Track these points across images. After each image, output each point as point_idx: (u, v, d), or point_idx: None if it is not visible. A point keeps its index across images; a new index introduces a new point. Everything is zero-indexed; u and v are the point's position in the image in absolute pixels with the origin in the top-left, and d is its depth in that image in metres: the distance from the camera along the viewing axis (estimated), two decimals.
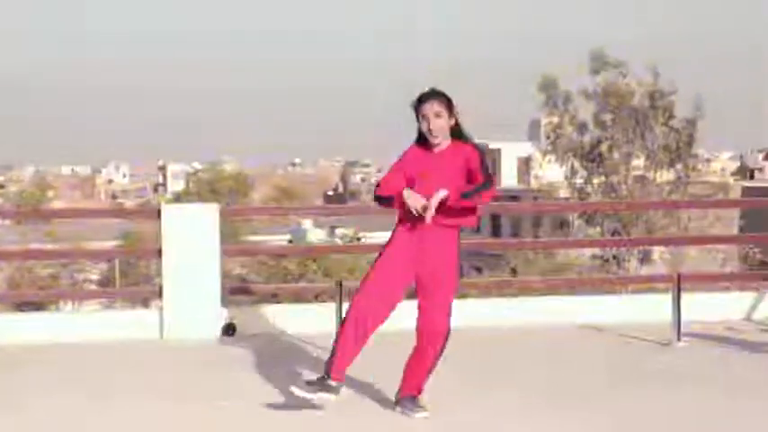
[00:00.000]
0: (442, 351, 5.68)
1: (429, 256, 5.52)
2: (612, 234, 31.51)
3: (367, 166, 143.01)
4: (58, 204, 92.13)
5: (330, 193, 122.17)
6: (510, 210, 29.46)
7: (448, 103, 5.49)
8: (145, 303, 18.28)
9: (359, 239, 39.45)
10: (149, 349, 7.75)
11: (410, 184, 5.48)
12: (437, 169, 5.46)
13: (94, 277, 44.37)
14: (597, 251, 31.92)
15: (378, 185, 5.64)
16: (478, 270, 39.00)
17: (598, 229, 32.63)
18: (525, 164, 49.73)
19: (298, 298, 20.01)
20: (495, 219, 53.34)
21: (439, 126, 5.46)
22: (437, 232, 5.49)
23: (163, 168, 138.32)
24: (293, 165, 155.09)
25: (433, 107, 5.45)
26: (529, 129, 44.08)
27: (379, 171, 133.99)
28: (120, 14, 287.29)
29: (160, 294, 8.37)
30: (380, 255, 5.63)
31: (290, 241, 48.52)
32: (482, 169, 5.42)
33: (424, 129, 5.48)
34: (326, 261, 34.68)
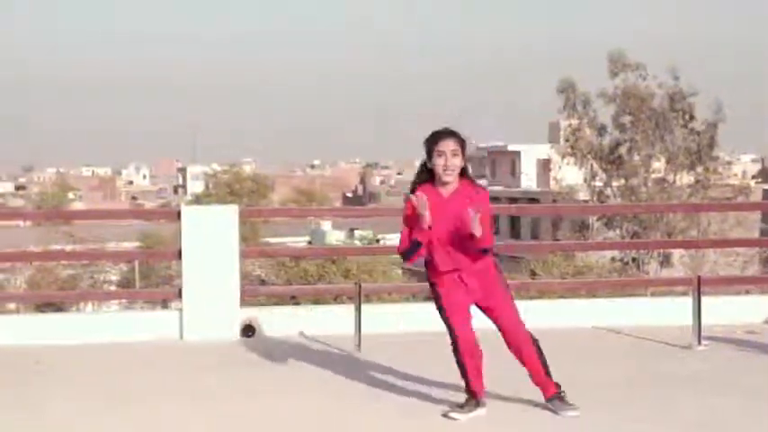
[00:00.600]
0: (538, 346, 5.88)
1: (477, 288, 5.69)
2: (632, 237, 31.37)
3: (386, 167, 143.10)
4: (78, 206, 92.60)
5: (349, 194, 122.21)
6: (529, 212, 29.50)
7: (462, 144, 5.55)
8: (164, 305, 18.35)
9: (378, 241, 39.42)
10: (169, 350, 7.78)
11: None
12: (453, 214, 5.49)
13: (114, 278, 44.54)
14: (617, 254, 31.79)
15: (400, 250, 5.69)
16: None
17: (618, 231, 32.49)
18: (544, 166, 49.58)
19: (317, 299, 20.03)
20: (514, 221, 53.26)
21: (455, 165, 5.50)
22: (473, 266, 5.63)
23: (182, 170, 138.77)
24: (312, 166, 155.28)
25: (450, 145, 5.49)
26: (548, 131, 43.91)
27: (399, 173, 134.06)
28: (142, 14, 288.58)
29: (180, 295, 8.40)
30: (442, 306, 5.71)
31: (310, 243, 48.59)
32: (490, 225, 5.59)
33: (440, 165, 5.48)
34: (345, 263, 34.69)
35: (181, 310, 8.33)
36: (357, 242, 39.01)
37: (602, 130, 34.57)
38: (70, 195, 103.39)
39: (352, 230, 47.40)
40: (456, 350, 5.68)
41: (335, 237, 50.06)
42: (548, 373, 5.81)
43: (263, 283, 34.92)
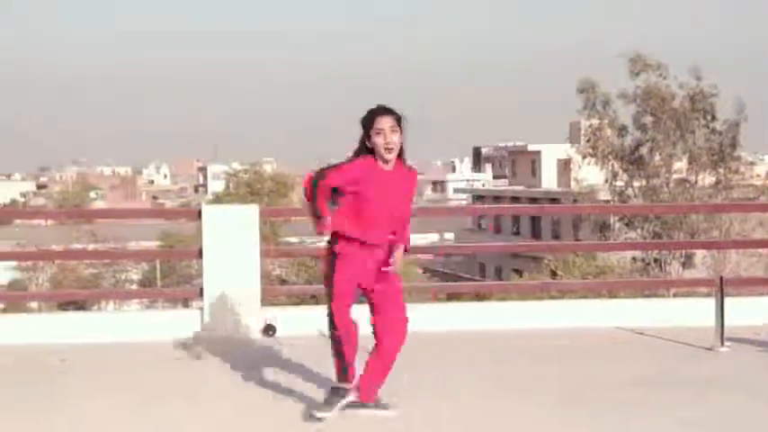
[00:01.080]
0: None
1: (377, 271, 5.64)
2: (654, 237, 31.22)
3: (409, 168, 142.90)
4: (100, 205, 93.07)
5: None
6: (550, 212, 29.41)
7: (400, 121, 5.50)
8: (185, 303, 18.41)
9: None
10: (189, 349, 7.79)
11: (361, 200, 5.46)
12: (395, 190, 5.52)
13: (136, 277, 44.77)
14: (638, 254, 31.64)
15: (322, 175, 5.54)
16: (518, 272, 38.87)
17: (639, 232, 32.34)
18: (565, 166, 49.41)
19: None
20: (534, 221, 53.14)
21: (395, 142, 5.45)
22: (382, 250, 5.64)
23: (203, 169, 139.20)
24: None
25: (388, 122, 5.44)
26: (569, 131, 43.75)
27: (421, 174, 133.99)
28: (169, 14, 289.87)
29: (201, 294, 8.42)
30: (335, 271, 5.63)
31: (329, 242, 48.55)
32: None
33: (380, 143, 5.42)
34: None
35: (202, 308, 8.36)
36: None
37: (622, 131, 34.41)
38: (92, 194, 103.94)
39: None
40: (335, 328, 5.61)
41: None
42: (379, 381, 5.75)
43: (283, 282, 35.01)
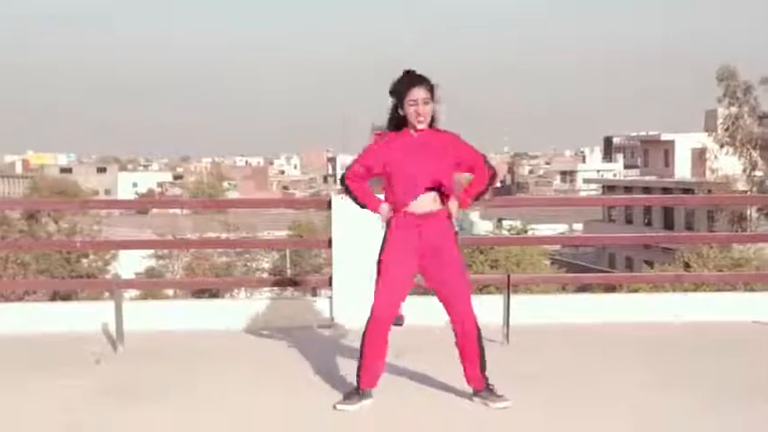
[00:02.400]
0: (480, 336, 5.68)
1: (430, 249, 5.55)
2: None
3: (535, 157, 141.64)
4: (233, 195, 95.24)
5: (498, 184, 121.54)
6: (684, 202, 28.62)
7: (432, 89, 5.45)
8: (314, 293, 18.66)
9: (526, 231, 39.11)
10: (319, 337, 7.92)
11: (391, 168, 5.48)
12: (425, 153, 5.45)
13: (266, 266, 45.62)
14: None
15: (348, 174, 5.66)
16: (650, 264, 38.02)
17: None
18: (700, 156, 48.07)
19: None
20: (667, 212, 51.87)
21: (427, 112, 5.43)
22: (433, 223, 5.55)
23: (332, 159, 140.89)
24: None
25: (422, 93, 5.40)
26: (705, 120, 42.51)
27: (547, 163, 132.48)
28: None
29: (330, 283, 8.53)
30: (381, 262, 5.62)
31: (457, 232, 48.55)
32: (485, 163, 5.62)
33: (412, 113, 5.40)
34: (493, 253, 34.55)
35: (331, 297, 8.47)
36: (505, 232, 38.76)
37: (763, 119, 33.26)
38: (225, 185, 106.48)
39: (500, 220, 47.17)
40: (366, 328, 5.54)
41: (484, 227, 49.93)
42: (483, 368, 5.67)
43: None
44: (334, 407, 5.61)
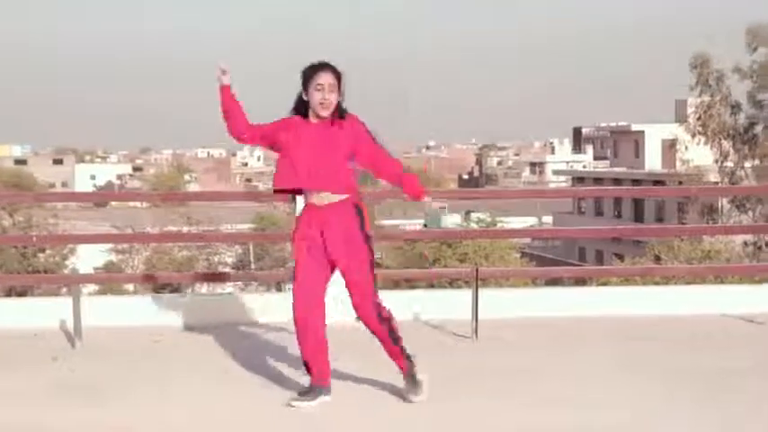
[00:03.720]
0: (391, 327, 5.66)
1: (333, 238, 5.53)
2: (766, 220, 30.45)
3: (504, 149, 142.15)
4: (194, 187, 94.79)
5: (466, 176, 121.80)
6: (654, 194, 28.85)
7: (339, 77, 5.49)
8: (279, 287, 18.65)
9: (495, 224, 39.25)
10: (283, 333, 7.90)
11: (284, 154, 5.55)
12: (323, 142, 5.46)
13: (229, 260, 45.47)
14: (749, 238, 30.89)
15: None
16: (620, 257, 38.31)
17: (750, 214, 31.57)
18: (670, 146, 48.40)
19: (432, 283, 20.06)
20: (637, 204, 52.28)
21: (332, 100, 5.46)
22: (336, 209, 5.53)
23: None
24: (427, 147, 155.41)
25: (329, 79, 5.44)
26: (675, 109, 42.79)
27: (516, 154, 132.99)
28: None
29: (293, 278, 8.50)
30: (293, 251, 5.68)
31: (425, 226, 48.68)
32: (378, 145, 5.62)
33: (316, 99, 5.44)
34: (462, 246, 34.67)
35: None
36: (474, 225, 38.88)
37: (735, 108, 33.54)
38: (186, 177, 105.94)
39: (468, 213, 47.28)
40: (295, 322, 5.60)
41: (451, 220, 50.03)
42: (403, 354, 5.69)
43: (378, 266, 35.16)
44: (289, 404, 5.60)
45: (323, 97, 5.44)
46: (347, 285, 5.62)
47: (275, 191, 5.79)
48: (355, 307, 5.64)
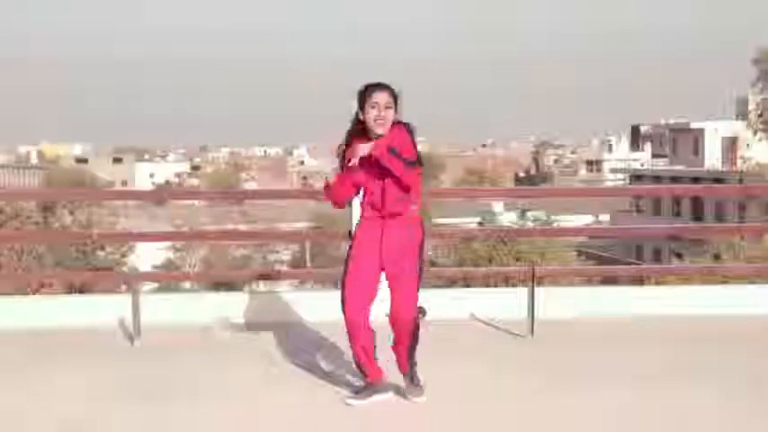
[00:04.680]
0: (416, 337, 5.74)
1: (391, 249, 5.61)
2: None
3: (560, 146, 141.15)
4: (251, 185, 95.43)
5: (522, 174, 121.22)
6: (714, 192, 28.44)
7: (395, 96, 5.57)
8: (335, 285, 18.67)
9: (551, 223, 38.99)
10: (340, 332, 7.89)
11: (359, 184, 5.66)
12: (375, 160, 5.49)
13: (286, 258, 45.72)
14: None
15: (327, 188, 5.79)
16: (679, 256, 37.84)
17: None
18: (731, 144, 47.78)
19: (488, 282, 19.99)
20: (697, 202, 51.60)
21: (388, 117, 5.53)
22: (397, 225, 5.62)
23: None
24: (484, 146, 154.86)
25: (384, 97, 5.54)
26: (736, 107, 42.21)
27: (573, 152, 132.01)
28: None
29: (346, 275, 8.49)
30: (348, 257, 5.75)
31: (481, 224, 48.51)
32: (413, 147, 5.54)
33: (372, 117, 5.51)
34: (518, 244, 34.47)
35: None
36: (530, 223, 38.66)
37: None
38: (243, 175, 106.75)
39: (524, 212, 47.03)
40: (346, 322, 5.68)
41: (507, 218, 49.80)
42: (410, 358, 5.74)
43: (433, 264, 35.12)
44: (345, 402, 5.68)
45: (378, 114, 5.54)
46: (392, 284, 5.67)
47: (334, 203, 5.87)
48: (396, 306, 5.64)
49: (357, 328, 5.64)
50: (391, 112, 5.57)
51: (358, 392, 5.76)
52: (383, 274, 5.72)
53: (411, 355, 5.76)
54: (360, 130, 5.63)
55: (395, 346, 5.76)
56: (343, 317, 5.69)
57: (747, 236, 28.32)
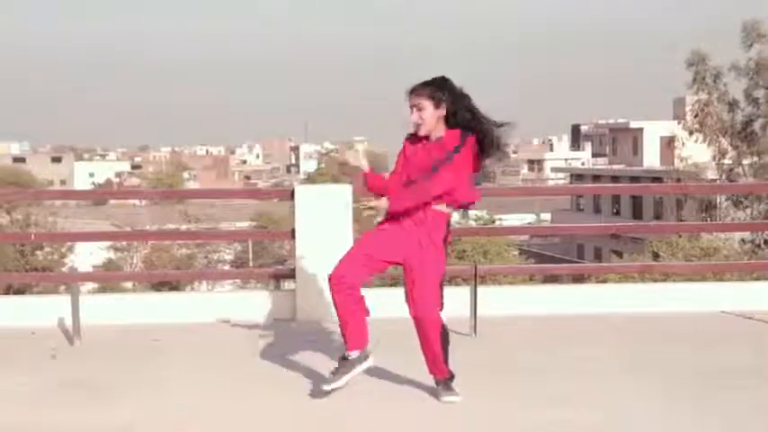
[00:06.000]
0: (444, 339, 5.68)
1: (411, 244, 5.55)
2: (765, 218, 30.42)
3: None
4: (192, 185, 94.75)
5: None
6: (652, 191, 28.77)
7: (431, 94, 5.49)
8: (277, 285, 18.60)
9: (494, 222, 39.25)
10: (282, 331, 7.90)
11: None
12: (419, 159, 5.55)
13: (228, 258, 45.48)
14: (747, 236, 30.87)
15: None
16: (619, 254, 38.33)
17: (748, 212, 31.55)
18: (669, 144, 48.31)
19: None
20: (636, 201, 52.29)
21: (417, 119, 5.51)
22: (419, 218, 5.56)
23: (295, 149, 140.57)
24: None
25: (412, 100, 5.53)
26: (673, 107, 42.81)
27: (514, 152, 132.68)
28: None
29: (293, 275, 8.51)
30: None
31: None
32: (445, 161, 5.45)
33: (409, 120, 5.57)
34: (460, 244, 34.63)
35: (294, 290, 8.45)
36: (472, 222, 38.88)
37: (733, 106, 33.51)
38: (185, 175, 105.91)
39: (466, 210, 47.38)
40: (329, 284, 5.57)
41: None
42: (445, 361, 5.70)
43: None
44: (323, 389, 5.59)
45: (412, 117, 5.54)
46: (411, 282, 5.60)
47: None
48: (415, 304, 5.59)
49: (339, 285, 5.48)
50: (423, 112, 5.50)
51: (334, 373, 5.61)
52: (394, 268, 5.68)
53: (440, 359, 5.65)
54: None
55: (422, 349, 5.69)
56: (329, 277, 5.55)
57: (685, 234, 28.72)
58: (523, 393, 5.84)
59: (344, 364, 5.60)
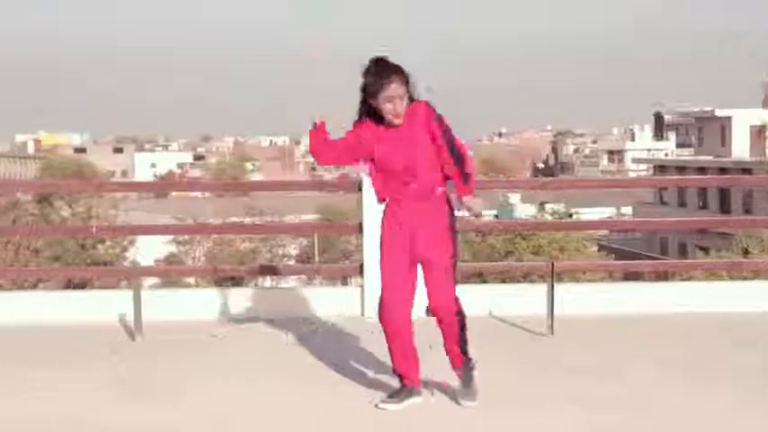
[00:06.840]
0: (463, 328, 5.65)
1: (422, 232, 5.50)
2: None
3: (580, 136, 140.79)
4: (256, 176, 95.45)
5: (540, 165, 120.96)
6: (742, 183, 28.23)
7: (406, 80, 5.36)
8: (344, 281, 18.67)
9: (571, 216, 38.91)
10: (351, 327, 7.90)
11: (379, 162, 5.49)
12: (405, 142, 5.39)
13: (293, 252, 45.66)
14: None
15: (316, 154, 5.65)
16: (705, 250, 37.76)
17: None
18: (759, 133, 47.55)
19: (505, 277, 19.96)
20: (723, 194, 51.42)
21: (403, 108, 5.36)
22: (427, 204, 5.49)
23: None
24: (499, 134, 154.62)
25: (399, 89, 5.33)
26: (763, 93, 42.02)
27: (594, 142, 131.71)
28: None
29: (361, 272, 8.50)
30: (380, 248, 5.65)
31: (497, 216, 48.47)
32: (448, 147, 5.40)
33: (388, 111, 5.33)
34: (536, 238, 34.42)
35: (362, 286, 8.44)
36: (548, 216, 38.60)
37: None
38: (248, 166, 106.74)
39: (542, 204, 46.98)
40: (381, 320, 5.57)
41: (525, 211, 49.75)
42: (465, 351, 5.66)
43: None
44: (376, 405, 5.59)
45: (394, 109, 5.36)
46: (427, 278, 5.56)
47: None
48: (433, 299, 5.55)
49: (394, 325, 5.53)
50: (405, 100, 5.37)
51: (392, 396, 5.63)
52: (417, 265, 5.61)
53: (462, 349, 5.63)
54: (372, 110, 5.42)
55: (444, 344, 5.67)
56: (378, 313, 5.60)
57: None
58: (597, 395, 5.77)
59: (400, 392, 5.64)
